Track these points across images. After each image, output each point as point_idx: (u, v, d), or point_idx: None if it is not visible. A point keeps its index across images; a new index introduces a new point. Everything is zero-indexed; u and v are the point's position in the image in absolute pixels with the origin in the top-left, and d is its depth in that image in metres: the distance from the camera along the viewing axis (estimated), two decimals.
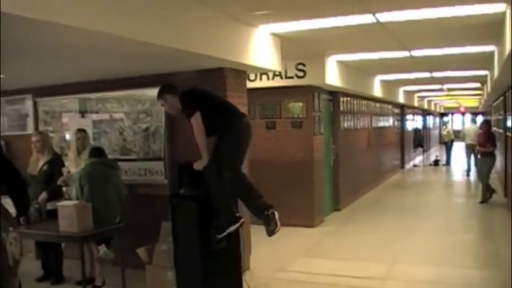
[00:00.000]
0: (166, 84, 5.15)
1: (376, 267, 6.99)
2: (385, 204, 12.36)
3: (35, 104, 7.92)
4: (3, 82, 6.76)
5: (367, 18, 6.08)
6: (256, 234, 6.43)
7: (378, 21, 6.22)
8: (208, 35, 5.47)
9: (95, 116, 7.35)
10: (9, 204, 4.21)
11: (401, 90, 17.73)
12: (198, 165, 4.79)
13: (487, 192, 11.75)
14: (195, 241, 4.92)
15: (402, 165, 20.51)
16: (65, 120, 7.78)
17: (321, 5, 5.59)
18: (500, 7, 5.70)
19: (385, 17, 6.06)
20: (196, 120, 4.64)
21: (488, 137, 11.56)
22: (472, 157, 16.46)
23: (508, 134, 11.35)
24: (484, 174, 11.67)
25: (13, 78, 6.60)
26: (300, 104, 9.65)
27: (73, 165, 6.48)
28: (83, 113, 7.48)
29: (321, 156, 10.13)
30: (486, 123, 12.23)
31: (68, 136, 7.62)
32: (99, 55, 5.25)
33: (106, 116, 7.22)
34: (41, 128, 7.76)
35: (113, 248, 6.05)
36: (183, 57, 5.39)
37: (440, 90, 18.95)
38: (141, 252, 5.80)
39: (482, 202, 11.65)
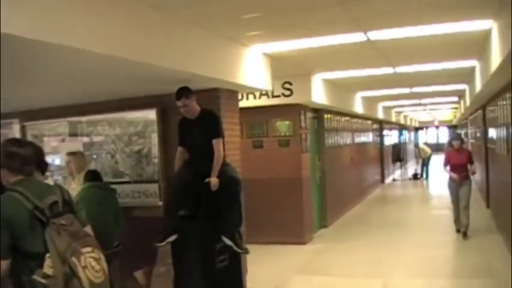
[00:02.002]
0: (184, 86, 5.24)
1: (372, 283, 7.02)
2: (370, 219, 12.40)
3: (23, 128, 7.73)
4: None
5: (358, 37, 6.18)
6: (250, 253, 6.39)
7: (369, 39, 6.31)
8: (203, 56, 5.49)
9: (85, 139, 7.27)
10: None
11: (380, 106, 17.93)
12: (215, 186, 5.03)
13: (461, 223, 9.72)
14: (197, 262, 4.89)
15: (382, 180, 20.66)
16: (54, 144, 7.69)
17: (314, 24, 5.66)
18: (488, 24, 5.82)
19: (375, 35, 6.15)
20: (221, 145, 5.14)
21: (470, 157, 9.70)
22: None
23: (489, 145, 11.51)
24: (468, 201, 9.58)
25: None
26: (287, 122, 9.68)
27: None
28: (73, 136, 7.40)
29: (309, 173, 10.15)
30: (460, 139, 9.95)
31: (57, 161, 7.52)
32: (93, 77, 5.19)
33: (97, 139, 7.13)
34: None
35: (112, 272, 5.95)
36: (178, 78, 5.36)
37: (418, 104, 19.23)
38: (139, 275, 5.73)
39: (465, 235, 9.56)
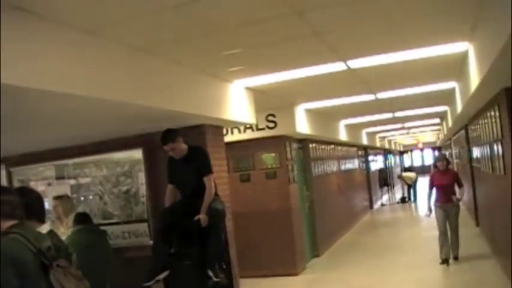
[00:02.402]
0: (168, 128, 5.35)
1: None
2: (362, 246, 12.41)
3: (9, 174, 7.69)
4: None
5: (338, 66, 6.30)
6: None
7: (349, 68, 6.43)
8: (188, 93, 5.57)
9: (73, 182, 7.26)
10: None
11: (364, 132, 18.10)
12: (204, 222, 5.08)
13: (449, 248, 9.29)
14: None
15: (371, 206, 20.70)
16: (41, 188, 7.65)
17: (293, 56, 5.77)
18: (463, 46, 5.97)
19: (355, 63, 6.28)
20: (212, 180, 5.22)
21: (457, 178, 9.43)
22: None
23: (474, 164, 11.64)
24: (457, 225, 9.24)
25: None
26: (273, 154, 9.74)
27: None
28: (60, 179, 7.38)
29: (297, 203, 10.18)
30: (446, 160, 9.54)
31: (45, 205, 7.48)
32: (81, 119, 5.22)
33: (84, 181, 7.14)
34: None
35: None
36: (164, 116, 5.44)
37: (402, 128, 19.44)
38: None
39: (456, 258, 9.32)
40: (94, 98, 4.04)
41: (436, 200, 9.21)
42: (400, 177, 22.36)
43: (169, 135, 5.21)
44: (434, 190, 9.27)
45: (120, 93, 4.36)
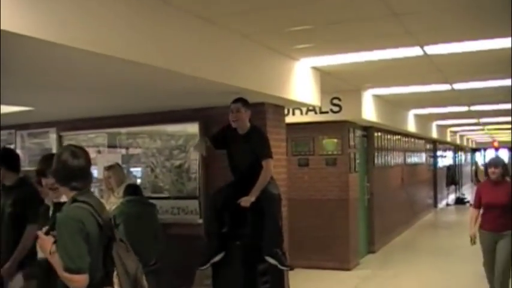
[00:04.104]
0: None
1: None
2: (421, 246, 12.26)
3: (59, 138, 7.95)
4: (28, 115, 6.91)
5: (414, 51, 6.19)
6: (293, 278, 6.42)
7: (425, 54, 6.32)
8: (250, 69, 5.60)
9: (124, 152, 7.45)
10: None
11: (434, 125, 17.74)
12: (246, 202, 5.13)
13: None
14: (239, 284, 4.97)
15: (435, 204, 20.38)
16: (92, 155, 7.87)
17: (367, 37, 5.72)
18: None
19: (432, 49, 6.16)
20: (271, 165, 5.31)
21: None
22: None
23: None
24: (508, 265, 6.51)
25: (37, 111, 6.70)
26: (335, 140, 9.72)
27: (107, 204, 6.50)
28: (111, 147, 7.58)
29: (356, 194, 10.14)
30: (502, 166, 6.64)
31: (95, 173, 7.70)
32: (136, 89, 5.38)
33: (137, 152, 7.31)
34: None
35: None
36: (223, 91, 5.48)
37: (476, 124, 18.95)
38: None
39: None
40: (156, 67, 4.14)
41: (483, 224, 6.72)
42: (475, 164, 21.57)
43: (243, 99, 5.36)
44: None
45: (182, 64, 4.44)
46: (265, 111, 6.42)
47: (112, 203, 6.30)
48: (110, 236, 3.12)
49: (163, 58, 4.20)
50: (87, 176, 3.23)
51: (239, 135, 5.39)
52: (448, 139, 22.34)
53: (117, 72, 4.38)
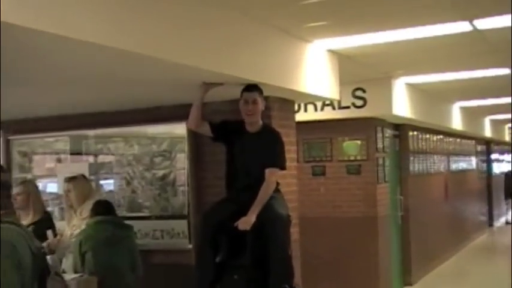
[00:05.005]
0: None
1: None
2: (473, 277, 12.32)
3: (7, 144, 7.91)
4: None
5: (460, 26, 6.23)
6: None
7: (475, 29, 6.36)
8: (251, 53, 5.69)
9: (92, 160, 7.54)
10: None
11: (487, 120, 17.77)
12: (245, 224, 5.13)
13: None
14: None
15: (490, 223, 20.42)
16: (49, 165, 7.92)
17: (400, 11, 5.78)
18: None
19: (484, 23, 6.19)
20: (275, 176, 5.38)
21: None
22: None
23: None
24: None
25: None
26: (358, 142, 9.88)
27: (68, 226, 6.51)
28: (75, 154, 7.65)
29: (386, 211, 10.31)
30: None
31: (53, 187, 7.73)
32: (110, 80, 5.44)
33: (108, 159, 7.41)
34: (17, 175, 7.74)
35: None
36: (214, 81, 5.57)
37: None
38: None
39: None
40: (129, 51, 4.16)
41: None
42: None
43: (258, 86, 5.46)
44: None
45: (162, 48, 4.47)
46: (270, 107, 6.41)
47: (75, 226, 6.33)
48: (44, 269, 3.18)
49: (135, 40, 4.20)
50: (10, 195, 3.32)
51: (248, 133, 5.46)
52: (507, 138, 22.37)
53: (83, 58, 4.43)
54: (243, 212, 5.19)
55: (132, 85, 5.77)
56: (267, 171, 5.29)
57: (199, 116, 5.69)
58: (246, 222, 5.12)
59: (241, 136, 5.49)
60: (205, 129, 5.72)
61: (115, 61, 4.62)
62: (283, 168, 5.46)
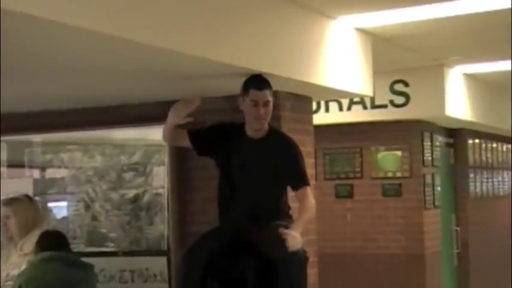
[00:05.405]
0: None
1: None
2: None
3: None
4: None
5: None
6: None
7: None
8: (254, 35, 5.76)
9: (39, 174, 7.63)
10: None
11: None
12: (295, 242, 5.08)
13: None
14: None
15: None
16: None
17: None
18: None
19: None
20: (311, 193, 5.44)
21: None
22: None
23: None
24: None
25: None
26: (398, 153, 10.00)
27: (5, 265, 6.51)
28: (15, 167, 7.74)
29: (437, 246, 10.37)
30: None
31: None
32: (64, 68, 5.40)
33: (61, 175, 7.46)
34: None
35: None
36: (207, 73, 5.69)
37: None
38: None
39: None
40: (95, 32, 4.21)
41: None
42: None
43: (268, 81, 5.46)
44: None
45: (138, 29, 4.52)
46: (279, 105, 6.49)
47: (13, 264, 6.36)
48: None
49: (104, 19, 4.26)
50: None
51: (251, 140, 5.47)
52: None
53: (28, 37, 4.46)
54: (243, 246, 5.14)
55: (94, 74, 5.74)
56: (301, 191, 5.38)
57: (173, 132, 5.81)
58: (295, 238, 5.07)
59: (241, 144, 5.48)
60: (184, 142, 5.79)
61: (72, 43, 4.64)
62: (308, 183, 5.50)
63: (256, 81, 5.39)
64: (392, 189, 9.99)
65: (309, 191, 5.38)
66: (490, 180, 12.77)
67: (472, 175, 11.86)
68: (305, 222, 5.30)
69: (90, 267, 6.34)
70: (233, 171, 5.52)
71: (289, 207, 5.58)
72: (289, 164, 5.41)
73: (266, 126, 5.45)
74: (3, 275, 6.37)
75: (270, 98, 5.37)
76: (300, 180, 5.38)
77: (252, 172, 5.44)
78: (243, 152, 5.47)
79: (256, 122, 5.37)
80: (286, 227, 5.18)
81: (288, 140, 5.59)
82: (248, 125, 5.44)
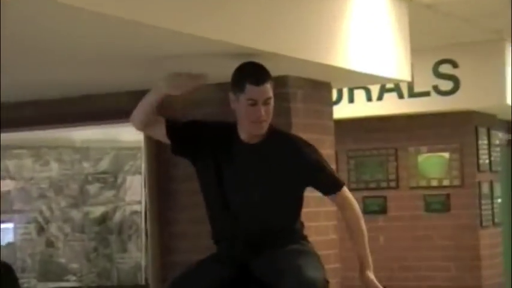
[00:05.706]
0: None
1: None
2: None
3: None
4: None
5: None
6: None
7: None
8: (256, 6, 5.74)
9: None
10: None
11: None
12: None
13: None
14: None
15: None
16: None
17: None
18: None
19: None
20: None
21: None
22: None
23: None
24: None
25: None
26: (446, 155, 9.94)
27: None
28: None
29: (498, 277, 10.31)
30: None
31: None
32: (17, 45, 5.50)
33: (6, 187, 7.43)
34: None
35: None
36: (197, 54, 5.70)
37: None
38: None
39: None
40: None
41: None
42: None
43: (268, 73, 5.23)
44: None
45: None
46: (289, 94, 6.57)
47: None
48: None
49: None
50: None
51: (246, 145, 5.28)
52: None
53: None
54: (246, 281, 5.17)
55: (45, 55, 5.71)
56: (338, 196, 5.27)
57: (149, 111, 5.46)
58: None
59: (234, 150, 5.32)
60: (159, 132, 5.49)
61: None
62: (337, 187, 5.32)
63: (254, 73, 5.14)
64: (438, 203, 9.92)
65: (347, 191, 5.25)
66: None
67: None
68: (366, 239, 5.25)
69: None
70: (226, 185, 5.30)
71: (303, 225, 5.42)
72: (310, 170, 5.26)
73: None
74: None
75: (271, 93, 5.16)
76: (333, 184, 5.25)
77: (253, 186, 5.22)
78: (237, 161, 5.28)
79: (256, 126, 5.16)
80: (303, 252, 5.13)
81: (295, 142, 5.40)
82: (243, 128, 5.22)
